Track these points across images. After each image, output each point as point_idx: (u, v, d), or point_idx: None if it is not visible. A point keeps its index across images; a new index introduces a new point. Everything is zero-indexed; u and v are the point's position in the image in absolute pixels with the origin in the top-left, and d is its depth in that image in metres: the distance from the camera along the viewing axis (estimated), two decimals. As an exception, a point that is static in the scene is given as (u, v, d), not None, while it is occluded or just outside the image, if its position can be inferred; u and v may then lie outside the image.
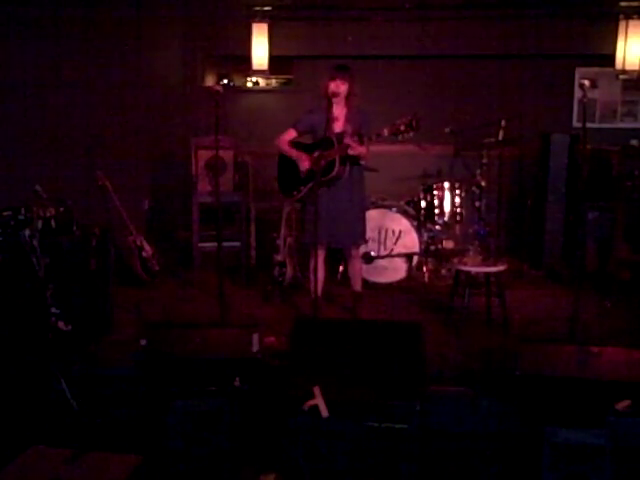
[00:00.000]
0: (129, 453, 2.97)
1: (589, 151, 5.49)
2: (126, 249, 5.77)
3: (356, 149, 4.54)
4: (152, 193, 6.72)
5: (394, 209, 5.81)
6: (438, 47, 6.99)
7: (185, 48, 7.28)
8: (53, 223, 4.43)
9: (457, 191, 5.95)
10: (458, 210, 5.97)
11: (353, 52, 6.84)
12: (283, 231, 5.60)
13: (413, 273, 5.80)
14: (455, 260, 4.89)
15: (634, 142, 6.21)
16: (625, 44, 6.49)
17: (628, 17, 6.49)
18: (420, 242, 5.77)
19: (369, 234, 5.16)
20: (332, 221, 4.68)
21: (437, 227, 6.01)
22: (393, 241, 5.72)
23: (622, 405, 3.25)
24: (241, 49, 6.89)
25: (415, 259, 5.75)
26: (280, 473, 3.14)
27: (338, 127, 4.66)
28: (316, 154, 4.64)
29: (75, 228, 4.59)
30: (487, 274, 4.80)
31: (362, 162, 4.76)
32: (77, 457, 2.90)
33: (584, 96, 4.11)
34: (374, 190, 5.57)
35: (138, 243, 5.80)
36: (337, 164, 4.57)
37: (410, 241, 5.72)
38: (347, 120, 4.68)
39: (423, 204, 6.01)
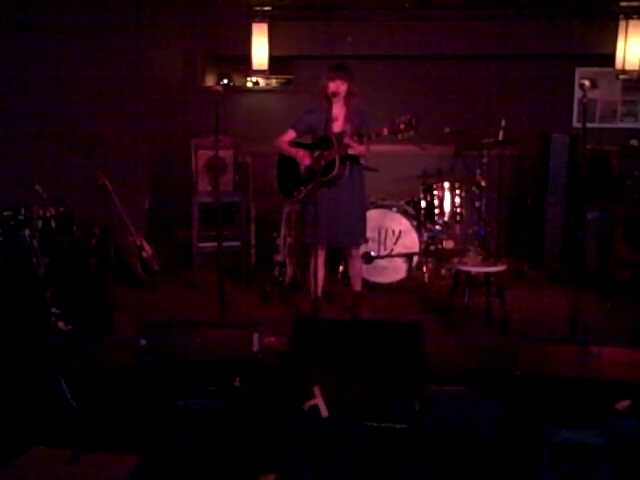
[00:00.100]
0: (129, 453, 2.97)
1: (589, 151, 5.49)
2: (126, 249, 5.76)
3: (356, 149, 4.54)
4: (152, 193, 6.72)
5: (394, 209, 5.81)
6: (438, 47, 6.99)
7: (185, 48, 7.29)
8: (53, 223, 4.43)
9: (457, 191, 5.96)
10: (458, 210, 5.97)
11: (353, 52, 6.84)
12: (283, 231, 5.60)
13: (413, 273, 5.80)
14: (455, 260, 4.89)
15: (634, 142, 6.22)
16: (625, 44, 6.50)
17: (628, 17, 6.49)
18: (420, 242, 5.77)
19: (369, 234, 5.16)
20: (332, 221, 4.68)
21: (437, 227, 6.01)
22: (393, 241, 5.72)
23: (622, 405, 3.25)
24: (241, 49, 6.90)
25: (415, 259, 5.75)
26: (280, 473, 3.14)
27: (337, 127, 4.66)
28: (316, 154, 4.65)
29: (75, 228, 4.60)
30: (487, 274, 4.81)
31: (362, 161, 4.76)
32: (77, 457, 2.90)
33: (584, 96, 4.11)
34: (374, 190, 5.57)
35: (138, 243, 5.80)
36: (337, 164, 4.57)
37: (410, 241, 5.72)
38: (346, 120, 4.68)
39: (423, 204, 6.01)
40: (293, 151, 4.81)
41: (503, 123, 5.56)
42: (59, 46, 5.88)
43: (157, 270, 5.89)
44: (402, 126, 4.34)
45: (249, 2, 6.87)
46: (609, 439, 3.00)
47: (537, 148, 6.54)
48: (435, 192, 5.96)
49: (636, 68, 6.52)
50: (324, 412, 3.20)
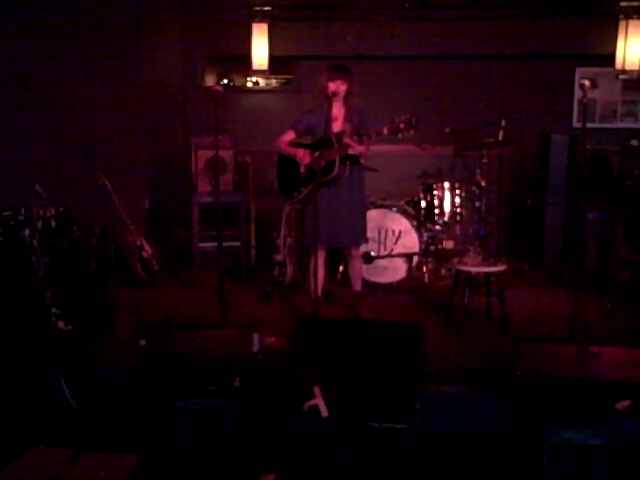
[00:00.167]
0: (129, 453, 2.97)
1: (589, 151, 5.49)
2: (126, 249, 5.77)
3: (356, 148, 4.54)
4: (152, 193, 6.72)
5: (394, 209, 5.81)
6: (438, 47, 6.99)
7: (185, 48, 7.28)
8: (53, 223, 4.44)
9: (457, 191, 5.95)
10: (458, 210, 5.96)
11: (353, 52, 6.84)
12: (283, 231, 5.60)
13: (413, 273, 5.80)
14: (455, 260, 4.89)
15: (634, 142, 6.21)
16: (625, 44, 6.49)
17: (628, 17, 6.49)
18: (420, 242, 5.77)
19: (369, 234, 5.16)
20: (333, 221, 4.68)
21: (437, 227, 6.01)
22: (393, 241, 5.71)
23: (622, 405, 3.25)
24: (241, 49, 6.89)
25: (415, 259, 5.75)
26: (280, 473, 3.14)
27: (337, 127, 4.66)
28: (316, 154, 4.65)
29: (75, 228, 4.60)
30: (487, 274, 4.81)
31: (362, 161, 4.76)
32: (77, 457, 2.90)
33: (584, 96, 4.11)
34: (374, 190, 5.57)
35: (138, 243, 5.80)
36: (337, 164, 4.57)
37: (410, 241, 5.72)
38: (346, 119, 4.68)
39: (423, 204, 6.01)
40: (293, 151, 4.81)
41: (503, 123, 5.55)
42: (59, 46, 5.89)
43: (157, 270, 5.89)
44: (402, 125, 4.34)
45: (249, 2, 6.87)
46: (609, 439, 3.00)
47: (537, 148, 6.54)
48: (435, 192, 5.96)
49: (636, 68, 6.51)
50: (324, 412, 3.20)
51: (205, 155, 6.20)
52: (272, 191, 5.28)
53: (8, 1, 5.74)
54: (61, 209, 4.52)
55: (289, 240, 5.62)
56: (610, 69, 6.70)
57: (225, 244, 5.37)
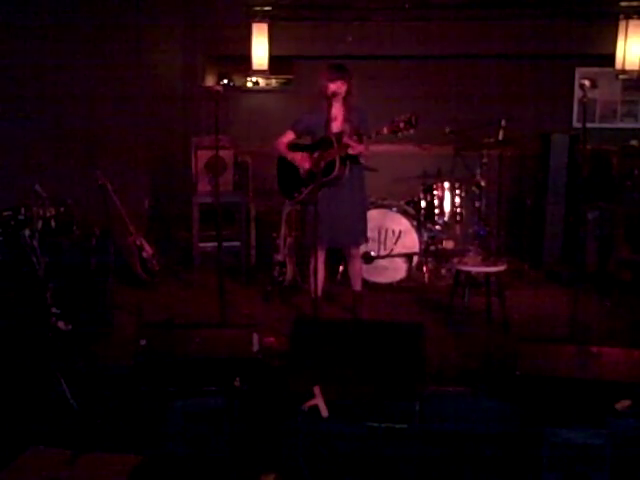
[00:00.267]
0: (129, 453, 2.97)
1: (589, 151, 5.49)
2: (126, 249, 5.77)
3: (356, 148, 4.53)
4: (152, 193, 6.72)
5: (394, 209, 5.81)
6: (438, 47, 6.98)
7: (185, 48, 7.28)
8: (53, 223, 4.43)
9: (457, 191, 5.95)
10: (458, 210, 5.96)
11: (353, 52, 6.83)
12: (283, 231, 5.60)
13: (413, 273, 5.80)
14: (455, 260, 4.89)
15: (634, 142, 6.21)
16: (625, 44, 6.49)
17: (628, 17, 6.48)
18: (420, 242, 5.76)
19: (369, 234, 5.15)
20: (333, 221, 4.67)
21: (437, 227, 6.01)
22: (393, 241, 5.71)
23: (622, 405, 3.25)
24: (241, 49, 6.89)
25: (415, 259, 5.75)
26: (280, 473, 3.14)
27: (336, 127, 4.66)
28: (316, 155, 4.64)
29: (75, 228, 4.60)
30: (487, 274, 4.80)
31: (362, 161, 4.76)
32: (77, 457, 2.90)
33: (584, 96, 4.11)
34: (374, 190, 5.57)
35: (138, 243, 5.80)
36: (337, 164, 4.57)
37: (410, 241, 5.72)
38: (345, 119, 4.67)
39: (423, 204, 6.01)
40: (292, 155, 4.80)
41: (503, 123, 5.55)
42: (59, 46, 5.89)
43: (157, 270, 5.89)
44: (402, 125, 4.34)
45: (249, 2, 6.87)
46: (609, 439, 3.00)
47: (537, 148, 6.54)
48: (435, 192, 5.96)
49: (636, 68, 6.51)
50: (324, 412, 3.20)
51: (205, 155, 6.19)
52: (272, 191, 5.28)
53: (8, 1, 5.74)
54: (61, 209, 4.52)
55: (289, 240, 5.62)
56: (610, 69, 6.69)
57: (225, 244, 5.36)
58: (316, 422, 3.19)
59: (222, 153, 5.80)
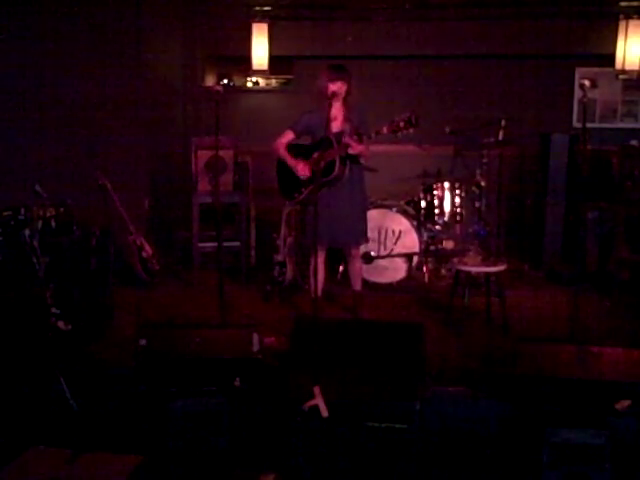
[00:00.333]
0: (129, 453, 2.97)
1: (589, 151, 5.49)
2: (126, 249, 5.77)
3: (356, 148, 4.53)
4: (152, 193, 6.72)
5: (394, 209, 5.81)
6: (438, 47, 6.99)
7: (185, 48, 7.28)
8: (53, 223, 4.43)
9: (457, 191, 5.96)
10: (458, 210, 5.97)
11: (353, 52, 6.84)
12: (283, 231, 5.60)
13: (413, 273, 5.80)
14: (455, 260, 4.89)
15: (634, 142, 6.21)
16: (625, 44, 6.49)
17: (628, 17, 6.49)
18: (420, 242, 5.77)
19: (369, 234, 5.15)
20: (333, 221, 4.67)
21: (437, 227, 6.01)
22: (393, 241, 5.71)
23: (622, 405, 3.25)
24: (241, 49, 6.90)
25: (415, 259, 5.75)
26: (280, 473, 3.14)
27: (336, 127, 4.65)
28: (316, 155, 4.64)
29: (75, 228, 4.60)
30: (487, 274, 4.80)
31: (362, 161, 4.75)
32: (77, 457, 2.90)
33: (584, 96, 4.11)
34: (374, 190, 5.57)
35: (138, 243, 5.80)
36: (337, 164, 4.57)
37: (410, 241, 5.72)
38: (345, 119, 4.67)
39: (423, 204, 6.01)
40: (290, 161, 4.78)
41: (503, 123, 5.55)
42: (59, 46, 5.89)
43: (157, 270, 5.89)
44: (402, 124, 4.34)
45: (249, 2, 6.87)
46: (609, 439, 3.00)
47: (537, 148, 6.54)
48: (435, 192, 5.96)
49: (636, 68, 6.52)
50: (324, 412, 3.20)
51: (205, 155, 6.19)
52: (272, 191, 5.28)
53: (8, 1, 5.74)
54: (61, 209, 4.52)
55: (289, 240, 5.62)
56: (610, 69, 6.70)
57: (225, 244, 5.36)
58: (316, 422, 3.19)
59: (222, 153, 5.79)
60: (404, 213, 5.84)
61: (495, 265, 4.76)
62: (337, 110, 4.65)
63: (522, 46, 6.93)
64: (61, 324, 4.11)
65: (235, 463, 3.24)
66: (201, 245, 6.18)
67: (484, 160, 5.74)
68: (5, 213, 4.20)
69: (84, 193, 5.43)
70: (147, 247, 5.85)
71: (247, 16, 6.87)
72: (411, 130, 4.33)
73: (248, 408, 3.44)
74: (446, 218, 5.97)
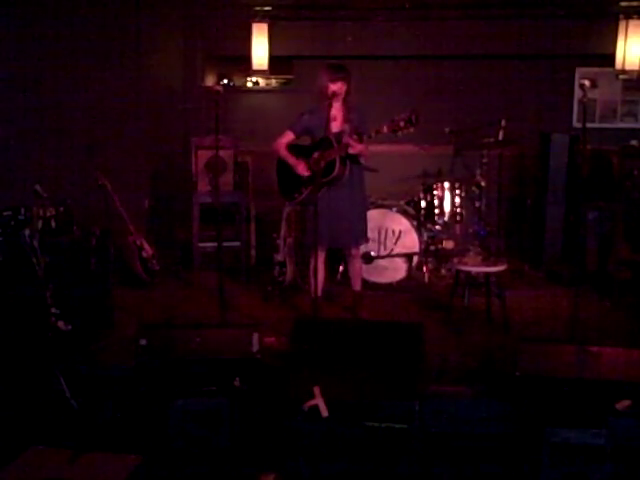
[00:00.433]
0: (129, 453, 2.97)
1: (589, 151, 5.49)
2: (126, 249, 5.77)
3: (356, 147, 4.53)
4: (152, 193, 6.72)
5: (394, 209, 5.81)
6: (438, 47, 6.99)
7: (185, 48, 7.28)
8: (53, 223, 4.44)
9: (457, 191, 5.96)
10: (458, 210, 5.97)
11: (353, 52, 6.84)
12: (283, 231, 5.60)
13: (413, 273, 5.80)
14: (455, 260, 4.89)
15: (634, 142, 6.21)
16: (625, 44, 6.49)
17: (628, 17, 6.49)
18: (420, 242, 5.76)
19: (369, 234, 5.15)
20: (333, 221, 4.67)
21: (437, 227, 6.01)
22: (393, 241, 5.71)
23: (622, 405, 3.25)
24: (241, 49, 6.89)
25: (415, 259, 5.75)
26: (280, 473, 3.14)
27: (336, 127, 4.65)
28: (316, 155, 4.64)
29: (75, 228, 4.60)
30: (487, 274, 4.81)
31: (362, 161, 4.75)
32: (77, 457, 2.90)
33: (584, 96, 4.11)
34: (374, 190, 5.57)
35: (138, 243, 5.80)
36: (337, 164, 4.57)
37: (410, 241, 5.72)
38: (345, 119, 4.67)
39: (423, 204, 6.01)
40: (291, 160, 4.78)
41: (503, 123, 5.55)
42: (59, 46, 5.88)
43: (157, 270, 5.89)
44: (402, 123, 4.33)
45: (249, 2, 6.87)
46: (609, 439, 3.00)
47: (537, 148, 6.54)
48: (435, 192, 5.96)
49: (636, 68, 6.51)
50: (324, 412, 3.20)
51: (205, 155, 6.19)
52: (272, 191, 5.28)
53: (7, 1, 5.74)
54: (61, 209, 4.52)
55: (289, 240, 5.62)
56: (610, 69, 6.69)
57: (225, 244, 5.36)
58: (316, 422, 3.19)
59: (222, 153, 5.79)
60: (404, 213, 5.84)
61: (495, 265, 4.76)
62: (337, 110, 4.65)
63: (522, 46, 6.93)
64: (61, 324, 4.10)
65: (235, 463, 3.24)
66: (201, 245, 6.18)
67: (484, 160, 5.73)
68: (5, 213, 4.20)
69: (84, 193, 5.43)
70: (147, 247, 5.85)
71: (247, 16, 6.87)
72: (411, 129, 4.33)
73: (248, 408, 3.44)
74: (446, 218, 5.97)
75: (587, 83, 4.11)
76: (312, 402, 3.22)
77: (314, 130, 4.70)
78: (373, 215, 5.52)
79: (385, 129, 4.40)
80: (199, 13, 7.03)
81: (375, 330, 3.77)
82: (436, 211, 5.97)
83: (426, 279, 5.90)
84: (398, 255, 5.71)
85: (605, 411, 3.21)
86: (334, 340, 3.65)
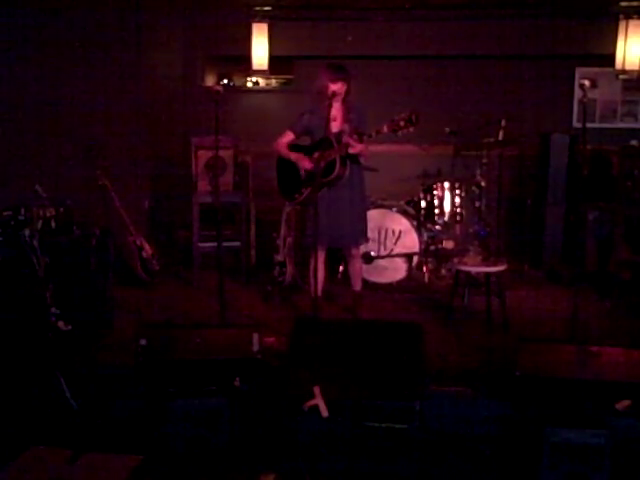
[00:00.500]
0: (129, 453, 2.97)
1: (589, 151, 5.50)
2: (126, 249, 5.77)
3: (356, 147, 4.53)
4: (152, 193, 6.72)
5: (394, 209, 5.81)
6: (438, 47, 6.98)
7: (185, 48, 7.28)
8: (53, 223, 4.43)
9: (457, 191, 5.95)
10: (458, 210, 5.96)
11: (353, 52, 6.83)
12: (283, 231, 5.60)
13: (413, 273, 5.80)
14: (455, 260, 4.89)
15: (634, 142, 6.21)
16: (625, 44, 6.49)
17: (628, 17, 6.49)
18: (420, 242, 5.76)
19: (369, 234, 5.15)
20: (333, 221, 4.67)
21: (437, 227, 6.01)
22: (393, 241, 5.71)
23: (622, 405, 3.25)
24: (241, 49, 6.89)
25: (415, 259, 5.75)
26: (280, 473, 3.14)
27: (336, 127, 4.65)
28: (316, 155, 4.64)
29: (75, 228, 4.60)
30: (487, 274, 4.80)
31: (362, 161, 4.75)
32: (77, 457, 2.90)
33: (584, 96, 4.11)
34: (374, 190, 5.57)
35: (138, 243, 5.80)
36: (338, 164, 4.57)
37: (410, 241, 5.72)
38: (345, 119, 4.67)
39: (423, 204, 6.01)
40: (293, 156, 4.80)
41: (503, 123, 5.55)
42: (59, 46, 5.88)
43: (157, 270, 5.89)
44: (402, 123, 4.33)
45: (249, 2, 6.86)
46: (609, 439, 3.00)
47: (537, 148, 6.54)
48: (435, 192, 5.96)
49: (636, 68, 6.51)
50: (324, 412, 3.20)
51: (205, 155, 6.18)
52: (272, 191, 5.28)
53: (7, 1, 5.74)
54: (61, 209, 4.52)
55: (289, 240, 5.62)
56: (610, 69, 6.69)
57: (225, 244, 5.35)
58: (316, 422, 3.19)
59: (222, 153, 5.79)
60: (404, 213, 5.84)
61: (495, 265, 4.76)
62: (337, 110, 4.65)
63: (522, 46, 6.93)
64: (61, 324, 4.11)
65: (235, 463, 3.25)
66: (201, 245, 6.18)
67: (484, 160, 5.74)
68: (5, 213, 4.20)
69: (84, 193, 5.43)
70: (147, 247, 5.84)
71: (247, 16, 6.87)
72: (411, 129, 4.33)
73: (248, 408, 3.44)
74: (446, 218, 5.97)
75: (587, 83, 4.11)
76: (312, 402, 3.22)
77: (314, 130, 4.70)
78: (373, 215, 5.52)
79: (385, 129, 4.41)
80: (199, 13, 7.03)
81: (375, 330, 3.77)
82: (436, 211, 5.97)
83: (426, 279, 5.90)
84: (398, 255, 5.71)
85: (605, 411, 3.21)
86: (334, 340, 3.65)
